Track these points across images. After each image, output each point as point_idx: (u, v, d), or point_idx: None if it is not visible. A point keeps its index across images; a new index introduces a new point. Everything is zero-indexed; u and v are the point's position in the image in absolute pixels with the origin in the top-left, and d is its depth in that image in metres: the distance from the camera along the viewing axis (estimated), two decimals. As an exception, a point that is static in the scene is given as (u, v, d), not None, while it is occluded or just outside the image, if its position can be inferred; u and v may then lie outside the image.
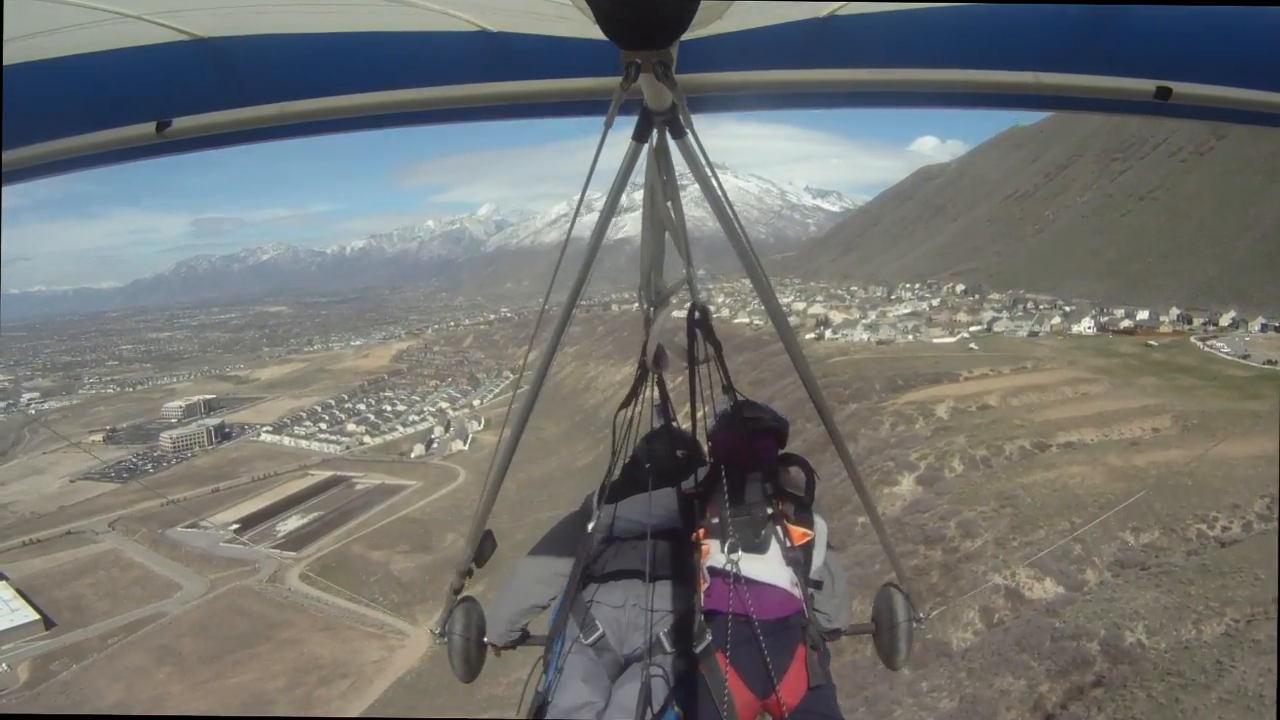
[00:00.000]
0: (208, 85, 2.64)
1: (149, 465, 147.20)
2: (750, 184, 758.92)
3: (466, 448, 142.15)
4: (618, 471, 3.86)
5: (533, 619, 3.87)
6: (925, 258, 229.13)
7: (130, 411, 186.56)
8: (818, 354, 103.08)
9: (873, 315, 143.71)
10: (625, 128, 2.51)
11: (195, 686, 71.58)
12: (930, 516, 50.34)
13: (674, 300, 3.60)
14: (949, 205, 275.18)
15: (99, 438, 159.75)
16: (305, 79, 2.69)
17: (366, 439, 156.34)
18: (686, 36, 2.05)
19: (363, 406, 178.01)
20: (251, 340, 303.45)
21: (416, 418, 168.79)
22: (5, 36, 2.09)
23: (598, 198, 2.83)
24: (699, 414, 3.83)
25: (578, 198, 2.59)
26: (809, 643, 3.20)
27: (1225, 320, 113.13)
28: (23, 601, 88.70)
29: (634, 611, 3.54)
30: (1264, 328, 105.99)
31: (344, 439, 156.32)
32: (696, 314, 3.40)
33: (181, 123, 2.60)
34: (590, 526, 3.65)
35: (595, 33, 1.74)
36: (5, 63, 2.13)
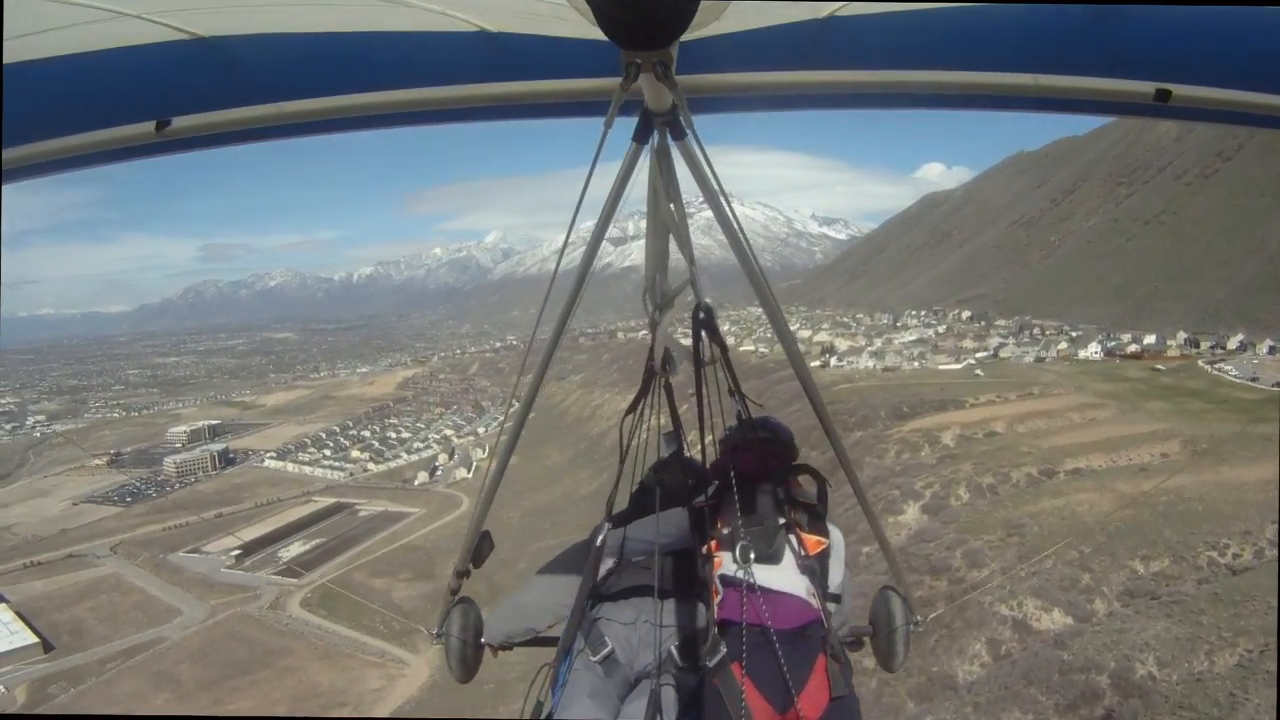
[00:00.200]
0: (207, 84, 2.63)
1: (152, 490, 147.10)
2: (757, 212, 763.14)
3: (470, 475, 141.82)
4: (624, 489, 3.82)
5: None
6: (931, 284, 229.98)
7: (135, 436, 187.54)
8: (823, 381, 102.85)
9: (878, 342, 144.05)
10: (625, 129, 2.52)
11: (192, 714, 70.83)
12: (936, 546, 49.91)
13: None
14: (955, 232, 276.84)
15: (103, 461, 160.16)
16: (305, 78, 2.69)
17: (371, 466, 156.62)
18: (686, 37, 2.04)
19: (367, 433, 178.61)
20: (258, 366, 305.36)
21: (421, 445, 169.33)
22: (5, 35, 2.09)
23: (598, 199, 2.81)
24: (704, 417, 3.79)
25: (577, 197, 2.57)
26: (829, 652, 3.05)
27: (1233, 343, 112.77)
28: (22, 624, 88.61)
29: (645, 628, 3.44)
30: (1272, 350, 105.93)
31: (348, 465, 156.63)
32: (701, 314, 3.37)
33: (181, 122, 2.59)
34: (599, 541, 3.59)
35: (595, 33, 1.74)
36: (5, 61, 2.12)
